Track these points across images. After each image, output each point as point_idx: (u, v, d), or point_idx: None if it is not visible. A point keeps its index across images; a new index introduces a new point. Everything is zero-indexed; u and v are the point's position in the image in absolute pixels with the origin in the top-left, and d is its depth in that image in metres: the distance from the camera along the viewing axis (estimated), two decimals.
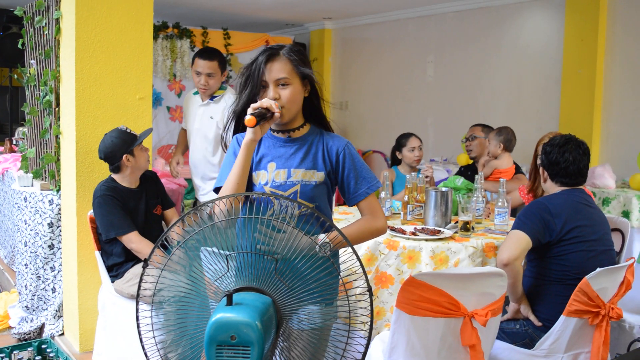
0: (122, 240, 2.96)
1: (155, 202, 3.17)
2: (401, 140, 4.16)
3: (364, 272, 1.44)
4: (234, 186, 1.77)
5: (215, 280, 1.48)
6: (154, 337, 1.50)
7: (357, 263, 1.44)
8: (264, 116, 1.74)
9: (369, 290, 1.45)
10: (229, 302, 1.35)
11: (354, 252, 1.46)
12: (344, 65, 8.44)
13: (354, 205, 1.93)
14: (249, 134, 1.75)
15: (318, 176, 1.86)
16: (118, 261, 3.02)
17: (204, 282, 1.50)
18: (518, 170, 4.14)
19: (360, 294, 1.48)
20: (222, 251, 1.47)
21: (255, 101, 1.83)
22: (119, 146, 2.97)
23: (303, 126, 1.91)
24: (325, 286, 1.48)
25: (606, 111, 5.64)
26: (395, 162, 4.24)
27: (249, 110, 1.72)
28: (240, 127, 1.95)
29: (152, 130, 3.25)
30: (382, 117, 7.88)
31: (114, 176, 3.07)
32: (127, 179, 3.06)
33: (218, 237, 1.47)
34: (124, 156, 2.98)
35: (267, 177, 1.86)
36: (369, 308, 1.46)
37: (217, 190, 1.88)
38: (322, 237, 1.58)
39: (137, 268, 2.97)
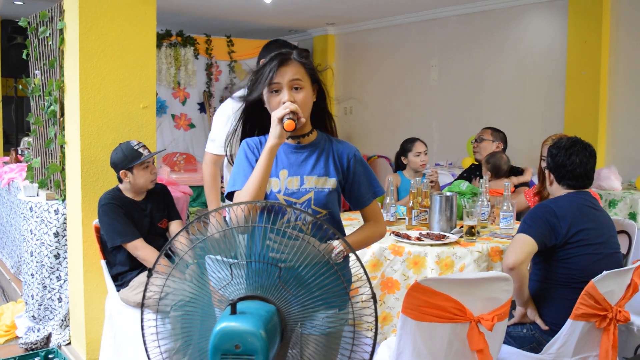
0: (127, 248, 2.97)
1: (161, 215, 3.16)
2: (406, 145, 4.12)
3: (368, 279, 1.44)
4: (256, 191, 1.72)
5: (220, 289, 1.48)
6: (159, 346, 1.50)
7: (362, 270, 1.44)
8: (299, 120, 1.74)
9: (373, 297, 1.44)
10: (233, 311, 1.35)
11: (358, 259, 1.45)
12: (347, 71, 8.45)
13: (358, 209, 1.95)
14: (274, 137, 1.72)
15: (330, 183, 1.86)
16: (122, 270, 3.03)
17: (209, 289, 1.50)
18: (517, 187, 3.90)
19: (365, 300, 1.47)
20: (225, 259, 1.47)
21: (262, 103, 1.83)
22: (120, 160, 3.01)
23: (311, 132, 1.91)
24: (330, 293, 1.48)
25: (611, 112, 5.62)
26: (399, 167, 4.22)
27: (277, 115, 1.71)
28: (247, 132, 1.95)
29: (162, 152, 3.24)
30: (386, 122, 7.87)
31: (120, 186, 3.10)
32: (130, 191, 3.08)
33: (222, 245, 1.47)
34: (121, 171, 3.02)
35: (280, 185, 1.84)
36: (374, 314, 1.45)
37: (229, 195, 1.84)
38: (335, 243, 1.59)
39: (143, 276, 2.97)
